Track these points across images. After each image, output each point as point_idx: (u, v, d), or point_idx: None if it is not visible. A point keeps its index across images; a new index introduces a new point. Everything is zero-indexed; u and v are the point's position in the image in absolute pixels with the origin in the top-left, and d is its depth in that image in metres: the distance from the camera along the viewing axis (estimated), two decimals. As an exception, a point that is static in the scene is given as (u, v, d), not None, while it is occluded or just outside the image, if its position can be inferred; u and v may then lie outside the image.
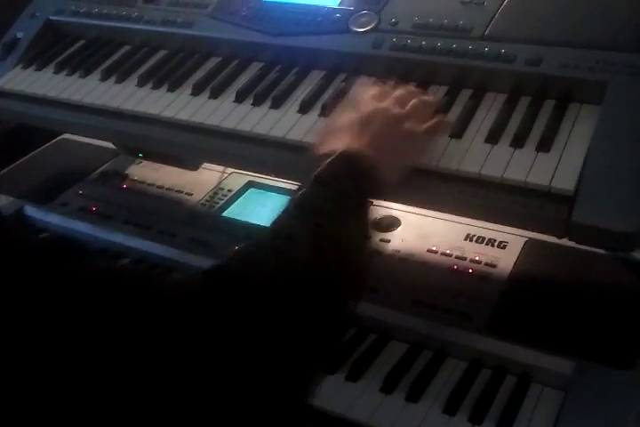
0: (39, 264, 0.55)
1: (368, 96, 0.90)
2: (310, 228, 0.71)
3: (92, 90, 1.14)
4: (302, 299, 0.66)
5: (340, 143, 0.82)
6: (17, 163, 1.54)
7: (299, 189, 0.78)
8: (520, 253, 1.10)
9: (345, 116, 0.87)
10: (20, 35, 1.29)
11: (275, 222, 0.73)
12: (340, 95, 0.99)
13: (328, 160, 0.78)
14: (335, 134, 0.85)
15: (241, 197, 1.35)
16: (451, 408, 0.88)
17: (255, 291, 0.64)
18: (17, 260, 0.55)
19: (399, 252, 1.13)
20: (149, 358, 0.55)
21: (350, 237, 0.73)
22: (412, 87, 0.94)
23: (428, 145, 0.88)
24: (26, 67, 1.24)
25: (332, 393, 0.91)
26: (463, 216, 1.08)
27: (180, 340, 0.57)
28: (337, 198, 0.75)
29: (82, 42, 1.28)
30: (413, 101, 0.88)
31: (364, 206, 0.78)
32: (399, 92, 0.90)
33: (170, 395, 0.55)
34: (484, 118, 0.91)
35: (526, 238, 1.12)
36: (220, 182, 1.39)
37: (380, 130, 0.83)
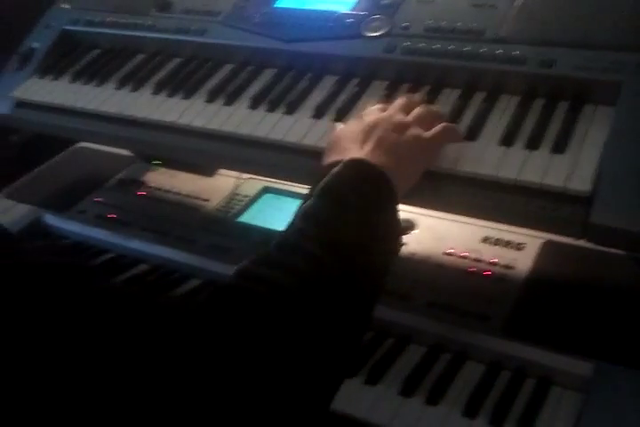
0: (43, 286, 0.56)
1: (372, 108, 0.90)
2: (315, 242, 0.70)
3: (107, 98, 1.15)
4: (310, 310, 0.66)
5: (345, 153, 0.81)
6: (35, 171, 1.55)
7: (305, 200, 0.77)
8: (538, 255, 1.10)
9: (349, 127, 0.87)
10: (35, 45, 1.30)
11: (281, 235, 0.73)
12: (355, 100, 1.00)
13: (333, 171, 0.77)
14: (340, 145, 0.85)
15: (257, 203, 1.35)
16: (471, 411, 0.88)
17: (262, 305, 0.64)
18: (20, 282, 0.55)
19: (416, 255, 1.13)
20: (160, 371, 0.55)
21: (361, 246, 0.72)
22: (417, 97, 0.94)
23: (436, 151, 0.87)
24: (42, 76, 1.25)
25: (352, 397, 0.91)
26: (479, 219, 1.08)
27: (190, 356, 0.57)
28: (342, 211, 0.74)
29: (97, 51, 1.29)
30: (417, 109, 0.88)
31: (376, 213, 0.76)
32: (402, 100, 0.90)
33: (184, 408, 0.55)
34: (499, 121, 0.91)
35: (544, 240, 1.11)
36: (235, 188, 1.40)
37: (384, 137, 0.83)
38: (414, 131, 0.85)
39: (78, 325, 0.54)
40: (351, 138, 0.84)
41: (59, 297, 0.55)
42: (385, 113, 0.87)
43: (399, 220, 0.79)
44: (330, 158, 0.84)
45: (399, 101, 0.90)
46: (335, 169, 0.77)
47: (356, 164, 0.78)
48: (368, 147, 0.82)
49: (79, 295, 0.57)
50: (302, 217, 0.74)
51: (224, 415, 0.57)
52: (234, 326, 0.61)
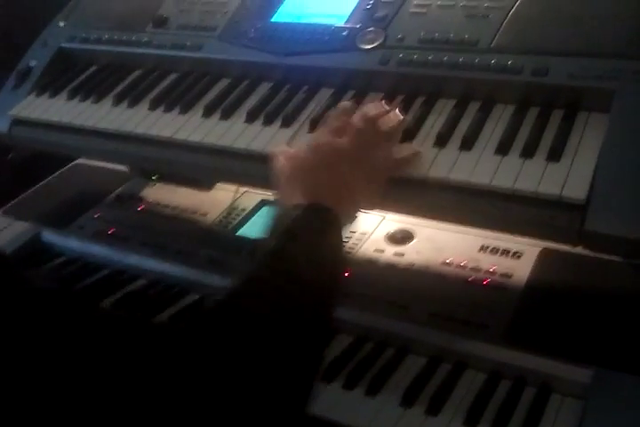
0: (38, 312, 0.58)
1: (323, 130, 0.92)
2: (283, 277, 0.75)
3: (105, 115, 1.16)
4: (272, 326, 0.70)
5: (301, 192, 0.85)
6: (33, 189, 1.55)
7: (269, 239, 0.83)
8: (535, 263, 1.10)
9: (299, 158, 0.89)
10: (33, 63, 1.31)
11: (246, 275, 0.77)
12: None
13: (297, 215, 0.82)
14: (295, 180, 0.87)
15: (255, 216, 1.36)
16: (471, 421, 0.88)
17: (232, 328, 0.67)
18: (12, 308, 0.57)
19: (414, 265, 1.14)
20: (148, 382, 0.58)
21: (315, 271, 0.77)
22: (374, 109, 0.94)
23: (390, 161, 0.90)
24: (39, 94, 1.26)
25: (352, 408, 0.91)
26: (476, 228, 1.08)
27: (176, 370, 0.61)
28: (308, 250, 0.79)
29: (93, 68, 1.30)
30: (374, 133, 0.91)
31: (333, 238, 0.83)
32: (355, 124, 0.91)
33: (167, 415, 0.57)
34: (494, 130, 0.92)
35: (541, 248, 1.12)
36: (233, 201, 1.40)
37: (335, 172, 0.87)
38: (368, 159, 0.88)
39: (66, 348, 0.56)
40: (304, 174, 0.87)
41: (50, 323, 0.57)
42: (337, 142, 0.89)
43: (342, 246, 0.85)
44: (285, 191, 0.88)
45: (331, 125, 0.92)
46: (298, 213, 0.82)
47: (315, 210, 0.83)
48: (319, 187, 0.86)
49: (69, 321, 0.59)
50: (267, 254, 0.79)
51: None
52: (205, 349, 0.65)
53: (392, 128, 0.92)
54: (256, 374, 0.65)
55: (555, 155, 0.85)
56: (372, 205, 0.95)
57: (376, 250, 1.19)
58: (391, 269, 1.13)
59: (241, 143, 1.02)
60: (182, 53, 1.20)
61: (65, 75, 1.29)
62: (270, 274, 0.75)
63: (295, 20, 1.14)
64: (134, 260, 1.26)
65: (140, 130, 1.10)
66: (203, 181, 1.44)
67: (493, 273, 1.09)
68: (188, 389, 0.59)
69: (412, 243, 1.19)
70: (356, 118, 0.91)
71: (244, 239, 1.29)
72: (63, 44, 1.32)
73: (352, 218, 0.93)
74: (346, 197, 0.86)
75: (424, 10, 1.04)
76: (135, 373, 0.58)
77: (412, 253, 1.16)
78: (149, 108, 1.14)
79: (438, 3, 1.04)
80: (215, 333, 0.66)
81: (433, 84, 1.00)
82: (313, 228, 0.81)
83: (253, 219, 1.35)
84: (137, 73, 1.25)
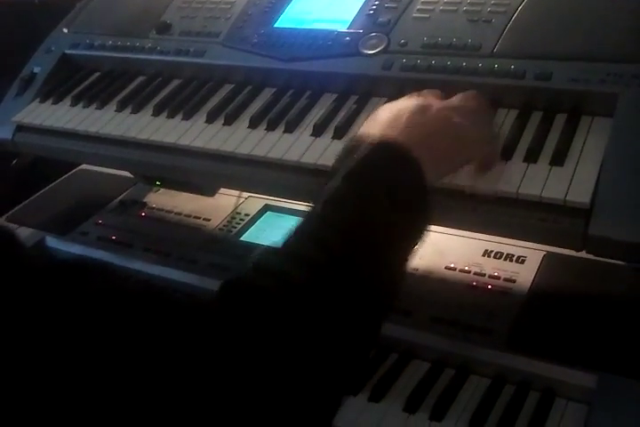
0: (53, 286, 0.55)
1: (429, 91, 0.87)
2: (334, 230, 0.65)
3: (108, 121, 1.16)
4: (320, 308, 0.62)
5: (379, 131, 0.74)
6: (37, 195, 1.56)
7: (328, 181, 0.70)
8: (539, 268, 1.10)
9: (398, 104, 0.80)
10: (36, 69, 1.32)
11: (299, 222, 0.68)
12: (353, 117, 1.00)
13: (361, 153, 0.70)
14: (378, 121, 0.77)
15: (258, 221, 1.36)
16: (475, 426, 0.88)
17: (269, 303, 0.61)
18: (32, 277, 0.55)
19: (417, 270, 1.14)
20: (165, 371, 0.54)
21: (382, 244, 0.67)
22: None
23: (474, 151, 0.82)
24: (43, 100, 1.26)
25: (356, 414, 0.91)
26: (480, 232, 1.08)
27: (196, 355, 0.56)
28: (368, 203, 0.67)
29: (97, 74, 1.31)
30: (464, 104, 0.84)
31: (403, 212, 0.69)
32: (462, 101, 0.84)
33: (184, 413, 0.54)
34: (497, 134, 0.92)
35: (544, 252, 1.12)
36: (236, 207, 1.40)
37: (425, 125, 0.76)
38: (459, 121, 0.79)
39: (84, 322, 0.54)
40: (394, 121, 0.76)
41: (69, 296, 0.55)
42: (434, 100, 0.82)
43: (426, 218, 0.72)
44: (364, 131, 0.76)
45: (458, 103, 0.84)
46: (363, 151, 0.70)
47: (386, 147, 0.71)
48: (408, 135, 0.73)
49: (88, 293, 0.56)
50: (323, 203, 0.67)
51: (223, 419, 0.55)
52: (240, 327, 0.59)
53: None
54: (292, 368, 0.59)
55: (558, 159, 0.85)
56: (452, 171, 0.81)
57: (379, 255, 1.18)
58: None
59: (244, 149, 1.02)
60: (185, 59, 1.20)
61: (68, 81, 1.30)
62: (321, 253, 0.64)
63: (298, 26, 1.14)
64: (138, 265, 1.26)
65: (144, 136, 1.10)
66: (206, 187, 1.44)
67: (497, 278, 1.09)
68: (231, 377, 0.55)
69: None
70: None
71: (247, 245, 1.29)
72: (67, 51, 1.32)
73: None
74: (425, 147, 0.73)
75: (427, 15, 1.04)
76: (151, 346, 0.54)
77: (415, 258, 1.16)
78: (153, 114, 1.14)
79: (441, 8, 1.04)
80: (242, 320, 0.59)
81: (436, 88, 0.99)
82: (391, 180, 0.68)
83: (257, 224, 1.35)
84: (140, 79, 1.25)
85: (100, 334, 0.54)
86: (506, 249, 1.14)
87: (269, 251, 0.67)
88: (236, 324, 0.59)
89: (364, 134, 0.75)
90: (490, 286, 1.08)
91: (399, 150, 0.71)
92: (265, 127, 1.04)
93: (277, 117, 1.04)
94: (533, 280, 1.08)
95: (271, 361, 0.59)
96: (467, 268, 1.12)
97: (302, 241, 0.66)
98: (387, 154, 0.71)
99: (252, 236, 1.32)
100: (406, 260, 0.72)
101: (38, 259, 0.60)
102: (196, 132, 1.07)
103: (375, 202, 0.68)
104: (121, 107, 1.18)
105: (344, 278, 0.64)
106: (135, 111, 1.16)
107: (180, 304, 0.61)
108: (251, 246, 1.28)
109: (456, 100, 0.86)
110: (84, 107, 1.22)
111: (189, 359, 0.55)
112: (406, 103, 0.80)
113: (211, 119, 1.09)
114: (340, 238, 0.65)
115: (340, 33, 1.08)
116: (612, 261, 0.98)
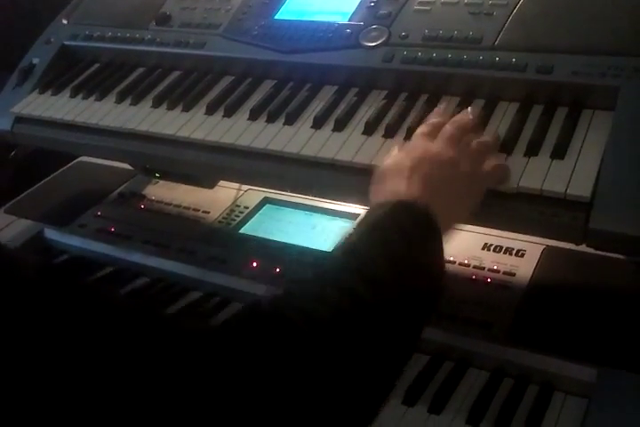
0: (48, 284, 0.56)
1: (417, 134, 0.87)
2: (356, 276, 0.67)
3: (108, 112, 1.16)
4: (345, 347, 0.63)
5: (393, 192, 0.78)
6: (36, 186, 1.56)
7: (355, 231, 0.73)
8: (538, 261, 1.10)
9: (395, 162, 0.83)
10: (35, 61, 1.31)
11: (319, 267, 0.70)
12: (354, 110, 1.00)
13: (381, 211, 0.74)
14: (387, 182, 0.81)
15: (257, 214, 1.36)
16: (474, 419, 0.88)
17: (295, 335, 0.61)
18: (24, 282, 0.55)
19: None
20: (171, 404, 0.54)
21: (403, 285, 0.69)
22: (467, 119, 0.89)
23: (484, 188, 0.84)
24: (42, 92, 1.26)
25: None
26: (479, 226, 1.08)
27: (208, 387, 0.55)
28: (386, 250, 0.70)
29: (96, 65, 1.30)
30: (471, 142, 0.85)
31: (421, 254, 0.73)
32: (450, 130, 0.85)
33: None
34: (498, 128, 0.91)
35: (544, 246, 1.12)
36: (236, 199, 1.40)
37: (431, 175, 0.79)
38: (465, 168, 0.82)
39: (83, 338, 0.54)
40: (398, 174, 0.80)
41: (67, 312, 0.55)
42: (432, 147, 0.83)
43: (443, 259, 0.76)
44: (377, 195, 0.81)
45: (447, 132, 0.85)
46: (383, 209, 0.74)
47: (404, 207, 0.75)
48: (415, 186, 0.78)
49: (90, 310, 0.56)
50: (344, 250, 0.71)
51: None
52: (262, 355, 0.58)
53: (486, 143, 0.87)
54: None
55: (559, 152, 0.85)
56: (465, 219, 0.85)
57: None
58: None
59: (244, 141, 1.01)
60: (185, 51, 1.19)
61: (68, 72, 1.29)
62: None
63: (298, 18, 1.14)
64: (137, 258, 1.26)
65: (143, 127, 1.10)
66: (205, 179, 1.44)
67: (497, 271, 1.09)
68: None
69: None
70: (449, 125, 0.87)
71: (246, 237, 1.29)
72: (66, 42, 1.32)
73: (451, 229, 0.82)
74: (438, 201, 0.77)
75: (428, 7, 1.04)
76: (163, 374, 0.54)
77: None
78: (152, 106, 1.14)
79: (442, 0, 1.03)
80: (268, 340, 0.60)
81: (437, 81, 0.99)
82: (406, 228, 0.72)
83: (256, 217, 1.35)
84: (140, 70, 1.24)
85: (93, 353, 0.53)
86: (505, 243, 1.14)
87: (293, 289, 0.67)
88: (258, 353, 0.59)
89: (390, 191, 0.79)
90: (489, 280, 1.08)
91: (415, 209, 0.75)
92: (265, 119, 1.04)
93: (277, 109, 1.04)
94: (533, 274, 1.08)
95: (292, 391, 0.58)
96: (466, 261, 1.12)
97: (325, 284, 0.67)
98: (404, 213, 0.75)
99: (252, 228, 1.32)
100: (427, 295, 0.74)
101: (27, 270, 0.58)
102: (195, 124, 1.07)
103: (391, 248, 0.71)
104: (120, 98, 1.17)
105: (364, 316, 0.65)
106: (135, 103, 1.16)
107: (191, 332, 0.60)
108: (250, 239, 1.28)
109: (450, 129, 0.86)
110: (83, 98, 1.21)
111: (203, 390, 0.54)
112: (421, 156, 0.82)
113: (211, 111, 1.08)
114: (361, 283, 0.66)
115: (340, 25, 1.08)
116: (612, 254, 0.99)
